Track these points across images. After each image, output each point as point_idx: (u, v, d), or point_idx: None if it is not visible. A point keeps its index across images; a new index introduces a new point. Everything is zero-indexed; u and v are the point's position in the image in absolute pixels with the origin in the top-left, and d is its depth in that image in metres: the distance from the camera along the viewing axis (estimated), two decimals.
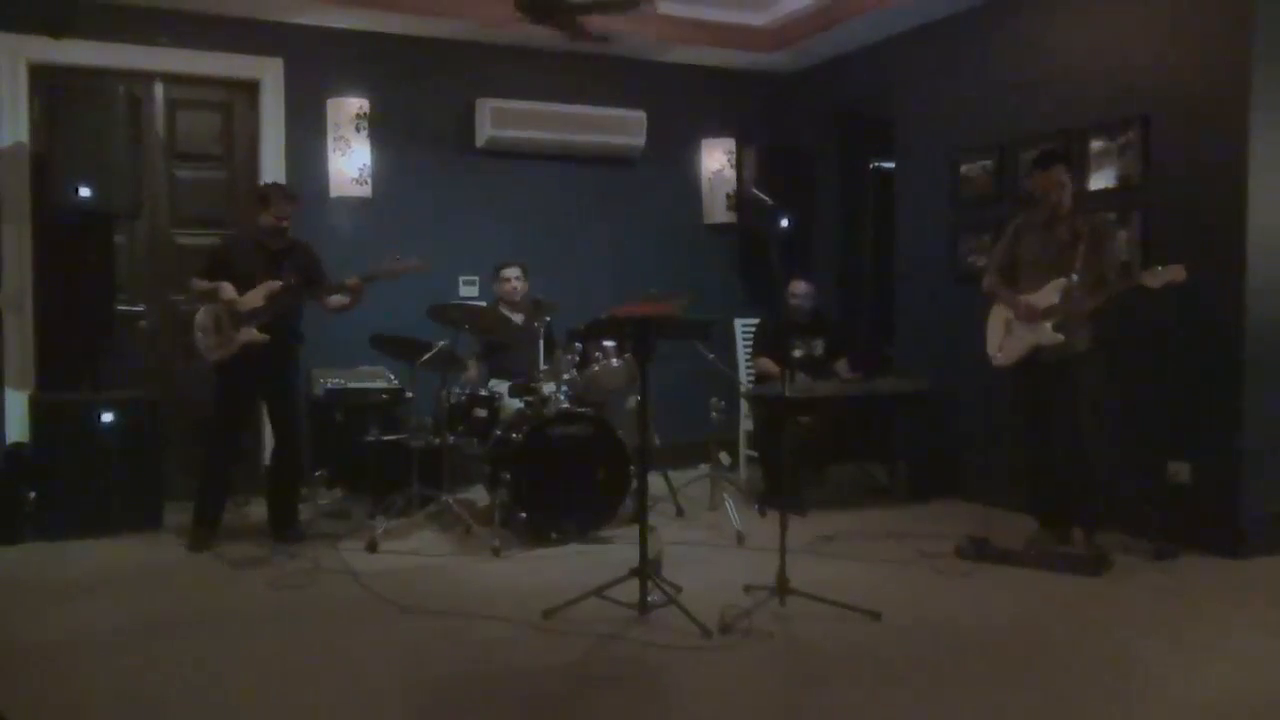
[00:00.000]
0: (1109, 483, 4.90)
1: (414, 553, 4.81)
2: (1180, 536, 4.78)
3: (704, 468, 5.83)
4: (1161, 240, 4.89)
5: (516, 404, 5.33)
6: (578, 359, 5.36)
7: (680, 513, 5.59)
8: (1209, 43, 4.75)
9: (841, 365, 6.16)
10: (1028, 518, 4.97)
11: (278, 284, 4.80)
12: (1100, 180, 5.17)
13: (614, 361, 5.37)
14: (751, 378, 6.42)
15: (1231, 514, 4.69)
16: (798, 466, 5.64)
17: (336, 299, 4.93)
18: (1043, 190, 4.62)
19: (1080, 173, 5.19)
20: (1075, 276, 4.52)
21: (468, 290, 6.47)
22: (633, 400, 5.46)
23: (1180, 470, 4.86)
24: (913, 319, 6.41)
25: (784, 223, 6.88)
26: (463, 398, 5.26)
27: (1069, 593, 4.25)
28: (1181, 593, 4.23)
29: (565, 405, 5.15)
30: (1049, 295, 4.62)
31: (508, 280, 5.80)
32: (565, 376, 5.27)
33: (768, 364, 6.04)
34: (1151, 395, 4.98)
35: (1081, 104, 5.28)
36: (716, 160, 7.13)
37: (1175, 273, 4.29)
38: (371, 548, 4.80)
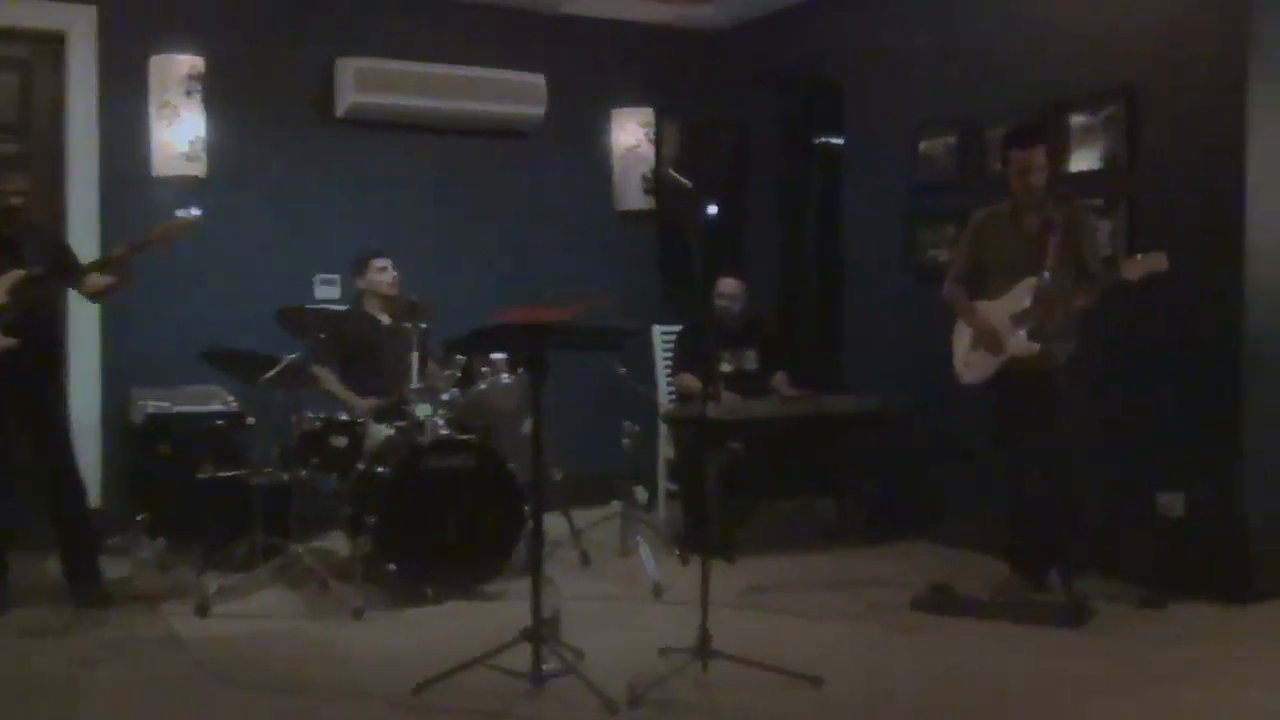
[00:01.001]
0: (1092, 518, 5.03)
1: (256, 616, 4.75)
2: (1174, 579, 4.92)
3: (614, 506, 5.84)
4: (1150, 232, 5.04)
5: (384, 430, 5.29)
6: (459, 375, 5.34)
7: (585, 561, 5.59)
8: (1202, 2, 4.92)
9: (780, 380, 6.22)
10: (1000, 561, 5.07)
11: (20, 273, 4.61)
12: (1083, 161, 5.32)
13: (504, 378, 5.35)
14: (672, 396, 6.46)
15: (1232, 552, 4.84)
16: (727, 503, 5.67)
17: (95, 280, 4.78)
18: (1020, 172, 4.74)
19: (1059, 153, 5.30)
20: (1047, 274, 4.63)
21: (327, 291, 6.41)
22: (527, 425, 5.44)
23: (1173, 502, 5.00)
24: (865, 325, 6.51)
25: (711, 210, 6.98)
26: (316, 423, 5.21)
27: (1043, 649, 4.33)
28: (1175, 646, 4.34)
29: (444, 432, 5.13)
30: (1019, 299, 4.73)
31: (381, 270, 5.75)
32: (444, 396, 5.25)
33: (691, 380, 6.07)
34: (1139, 415, 5.12)
35: (1060, 72, 5.43)
36: (631, 134, 7.17)
37: (1156, 261, 4.43)
38: (202, 610, 4.71)
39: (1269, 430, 4.86)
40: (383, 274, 5.74)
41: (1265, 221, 4.82)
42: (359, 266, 5.83)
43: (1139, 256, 4.48)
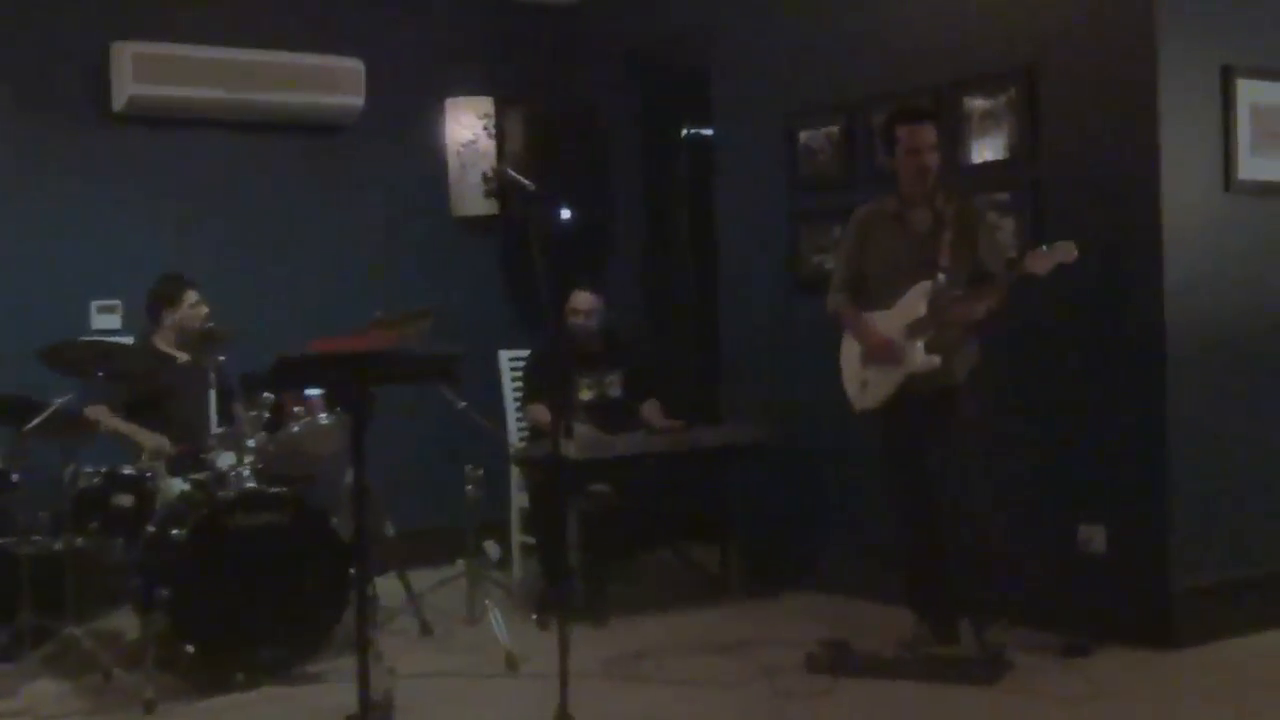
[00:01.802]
0: (1005, 556, 5.13)
1: (20, 716, 4.59)
2: (1097, 621, 5.05)
3: (459, 565, 5.79)
4: (1058, 231, 5.13)
5: (179, 485, 5.20)
6: (268, 416, 5.26)
7: (426, 630, 5.54)
8: None
9: (650, 409, 6.25)
10: (903, 611, 5.14)
11: None
12: (985, 150, 5.46)
13: (321, 418, 5.30)
14: (524, 433, 6.45)
15: (1158, 592, 4.99)
16: (591, 556, 5.67)
17: None
18: (909, 151, 4.83)
19: (955, 143, 5.47)
20: (943, 275, 4.74)
21: (105, 321, 6.27)
22: (350, 473, 5.38)
23: (1093, 535, 5.15)
24: (745, 343, 6.58)
25: (564, 213, 7.02)
26: (96, 479, 5.08)
27: (954, 709, 4.40)
28: (1098, 699, 4.45)
29: (251, 484, 5.05)
30: (913, 306, 4.82)
31: (195, 305, 5.65)
32: (251, 442, 5.16)
33: (544, 413, 6.06)
34: (1054, 438, 5.25)
35: (953, 51, 5.57)
36: (468, 127, 7.15)
37: (1064, 252, 4.56)
38: None
39: (1196, 452, 5.03)
40: (196, 309, 5.64)
41: (1183, 218, 5.00)
42: (167, 301, 5.69)
43: (1044, 247, 4.61)
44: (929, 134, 4.83)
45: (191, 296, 5.70)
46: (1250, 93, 5.12)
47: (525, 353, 6.49)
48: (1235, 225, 5.14)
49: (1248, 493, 5.16)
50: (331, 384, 4.97)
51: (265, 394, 5.27)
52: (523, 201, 6.86)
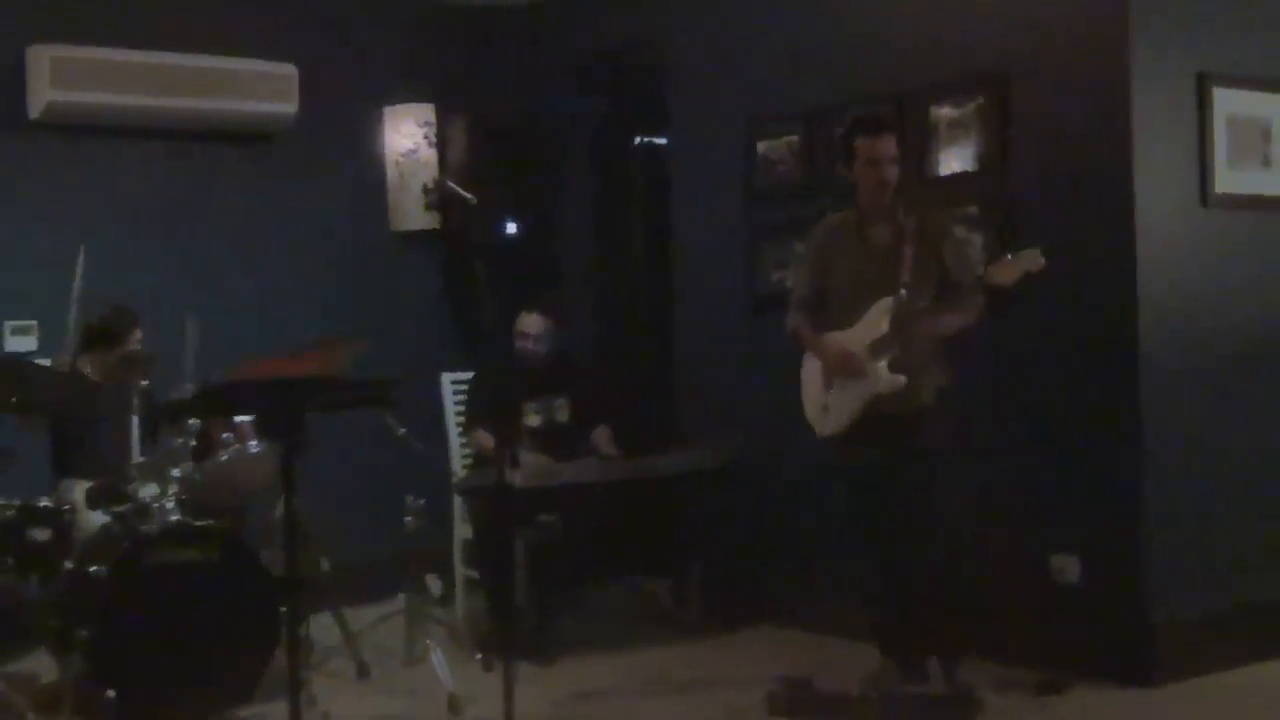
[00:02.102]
0: (976, 588, 5.16)
1: None
2: (1071, 655, 5.07)
3: (399, 601, 5.76)
4: (1031, 244, 5.21)
5: (99, 518, 5.15)
6: (194, 445, 5.22)
7: (363, 671, 5.51)
8: None
9: (601, 436, 6.25)
10: (868, 647, 5.12)
11: None
12: (953, 161, 5.51)
13: (251, 446, 5.28)
14: (467, 461, 6.43)
15: (1135, 625, 5.02)
16: (539, 591, 5.66)
17: None
18: (868, 163, 4.85)
19: (922, 154, 5.52)
20: (905, 291, 4.77)
21: (21, 343, 6.23)
22: (281, 506, 5.35)
23: (1067, 566, 5.18)
24: (701, 365, 6.59)
25: (509, 227, 7.00)
26: (9, 512, 5.03)
27: None
28: None
29: (176, 517, 5.02)
30: (875, 324, 4.83)
31: (138, 345, 5.61)
32: (176, 472, 5.13)
33: (489, 439, 6.05)
34: (1025, 462, 5.29)
35: (920, 58, 5.61)
36: (408, 136, 7.14)
37: (1030, 260, 4.57)
38: None
39: (1174, 477, 5.07)
40: (138, 348, 5.60)
41: (1158, 233, 5.06)
42: (113, 337, 5.62)
43: (1009, 256, 4.62)
44: (889, 145, 4.86)
45: (137, 335, 5.64)
46: (1227, 102, 5.18)
47: (469, 376, 6.47)
48: (1212, 241, 5.20)
49: (1229, 519, 5.20)
50: (261, 410, 4.93)
51: (192, 421, 5.23)
52: (466, 215, 6.88)
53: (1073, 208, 5.16)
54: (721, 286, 6.43)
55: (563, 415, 6.27)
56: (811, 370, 5.05)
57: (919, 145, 5.51)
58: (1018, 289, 4.62)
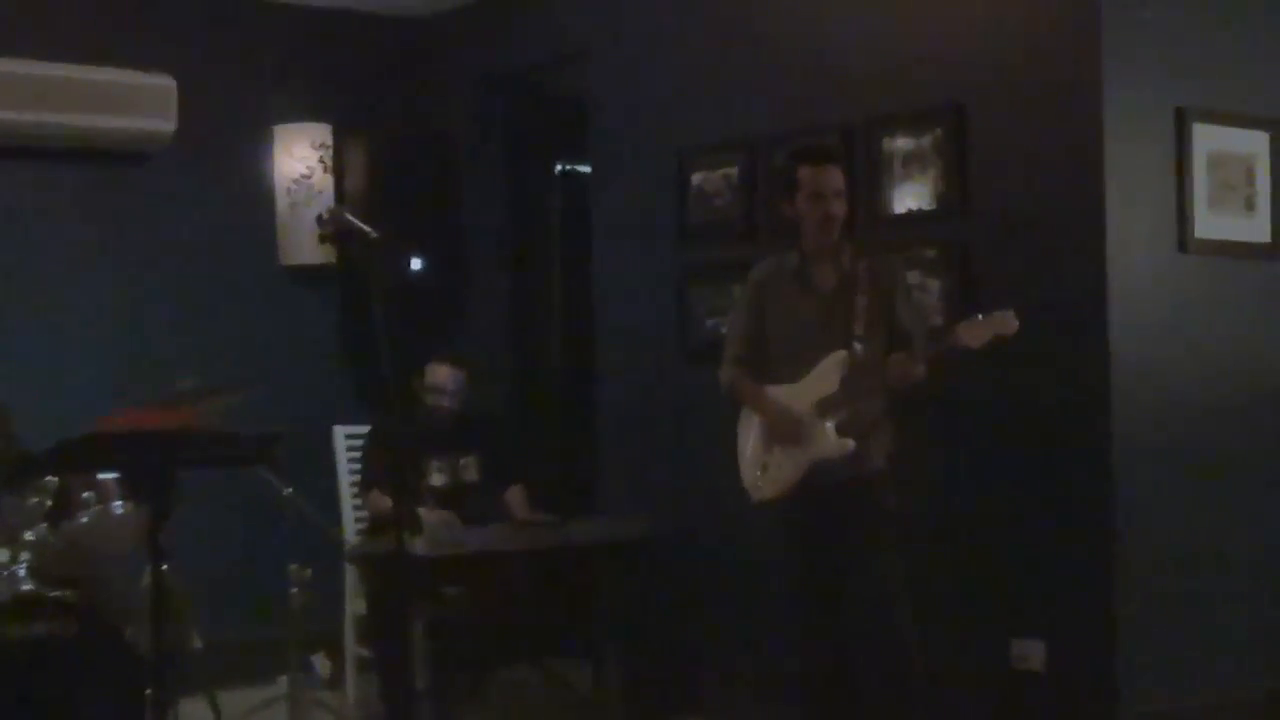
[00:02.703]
0: (928, 676, 5.16)
1: None
2: None
3: (281, 684, 5.69)
4: (991, 292, 5.23)
5: None
6: (49, 505, 5.13)
7: None
8: (1044, 5, 5.21)
9: (515, 498, 6.24)
10: None
11: None
12: (908, 199, 5.55)
13: (115, 507, 5.19)
14: (362, 525, 6.38)
15: (1103, 716, 5.02)
16: (441, 674, 5.61)
17: None
18: (811, 196, 4.85)
19: (874, 189, 5.56)
20: (858, 345, 4.78)
21: None
22: (147, 574, 5.28)
23: (1030, 651, 5.18)
24: (626, 421, 6.60)
25: (414, 264, 6.99)
26: None
27: None
28: None
29: (28, 586, 4.91)
30: (823, 379, 4.84)
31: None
32: (28, 535, 5.03)
33: (386, 501, 6.00)
34: (985, 536, 5.30)
35: (872, 85, 5.65)
36: (300, 159, 7.13)
37: (1003, 323, 4.59)
38: None
39: (1147, 556, 5.09)
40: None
41: (1132, 281, 5.10)
42: None
43: (979, 316, 4.62)
44: (834, 177, 4.87)
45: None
46: (1208, 139, 5.23)
47: (365, 429, 6.44)
48: (1191, 291, 5.24)
49: (1204, 603, 5.21)
50: (126, 467, 4.87)
51: (49, 479, 5.16)
52: (364, 249, 6.78)
53: (1038, 253, 5.20)
54: (649, 333, 6.45)
55: (471, 474, 6.26)
56: (748, 427, 5.05)
57: (871, 180, 5.55)
58: (968, 355, 4.63)
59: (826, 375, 4.83)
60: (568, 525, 6.04)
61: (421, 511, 5.87)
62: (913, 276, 5.32)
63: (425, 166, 7.28)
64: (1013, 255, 5.26)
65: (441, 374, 6.22)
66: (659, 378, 6.40)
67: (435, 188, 7.29)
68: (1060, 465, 5.15)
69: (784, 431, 4.88)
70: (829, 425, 4.81)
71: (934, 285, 5.41)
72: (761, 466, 5.00)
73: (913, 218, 5.53)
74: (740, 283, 5.54)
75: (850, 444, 4.80)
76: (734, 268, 5.89)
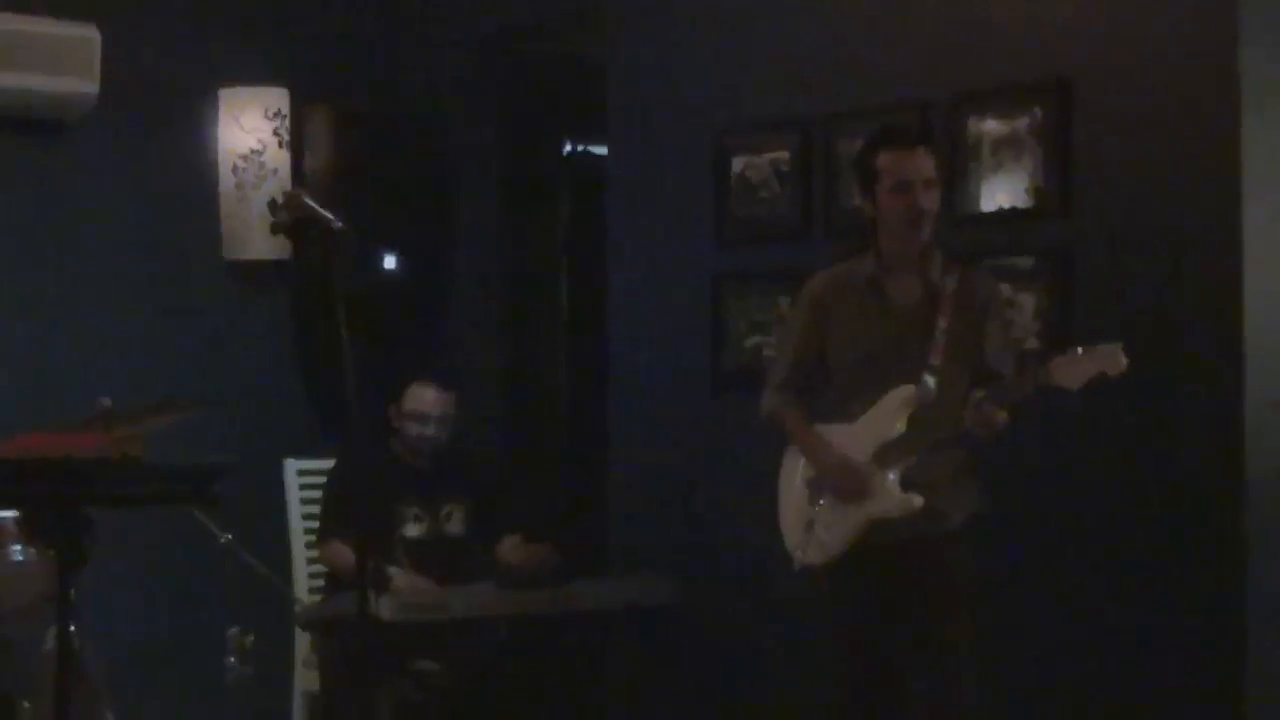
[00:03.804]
0: None
1: None
2: None
3: None
4: (1096, 312, 5.23)
5: None
6: None
7: None
8: None
9: (510, 549, 6.22)
10: None
11: None
12: (998, 194, 5.53)
13: (14, 552, 5.24)
14: (318, 582, 6.39)
15: None
16: None
17: None
18: (895, 189, 4.80)
19: (955, 182, 5.52)
20: (931, 380, 4.76)
21: None
22: (52, 636, 5.28)
23: None
24: (646, 462, 6.56)
25: (388, 262, 6.97)
26: None
27: None
28: None
29: None
30: (887, 420, 4.81)
31: None
32: None
33: (349, 554, 5.99)
34: (1084, 619, 5.24)
35: (955, 56, 5.63)
36: (252, 131, 7.10)
37: (1108, 359, 4.52)
38: None
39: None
40: None
41: (1276, 299, 5.05)
42: None
43: (1079, 350, 4.57)
44: (924, 163, 4.81)
45: None
46: None
47: (324, 465, 6.44)
48: None
49: None
50: (28, 503, 4.86)
51: None
52: (327, 243, 6.80)
53: (1159, 264, 5.16)
54: (676, 355, 6.43)
55: (454, 525, 6.27)
56: (792, 472, 5.03)
57: (953, 171, 5.51)
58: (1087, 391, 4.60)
59: (889, 415, 4.80)
60: (571, 586, 6.01)
61: (391, 570, 5.89)
62: (1002, 291, 5.24)
63: (403, 144, 7.28)
64: (1126, 266, 5.22)
65: (426, 399, 6.22)
66: (687, 409, 6.38)
67: (415, 170, 7.29)
68: (1177, 534, 5.10)
69: (837, 482, 4.86)
70: (891, 477, 4.77)
71: (1026, 302, 5.38)
72: (806, 524, 4.96)
73: (1003, 218, 5.51)
74: (790, 294, 5.55)
75: (917, 501, 4.74)
76: (782, 275, 5.91)
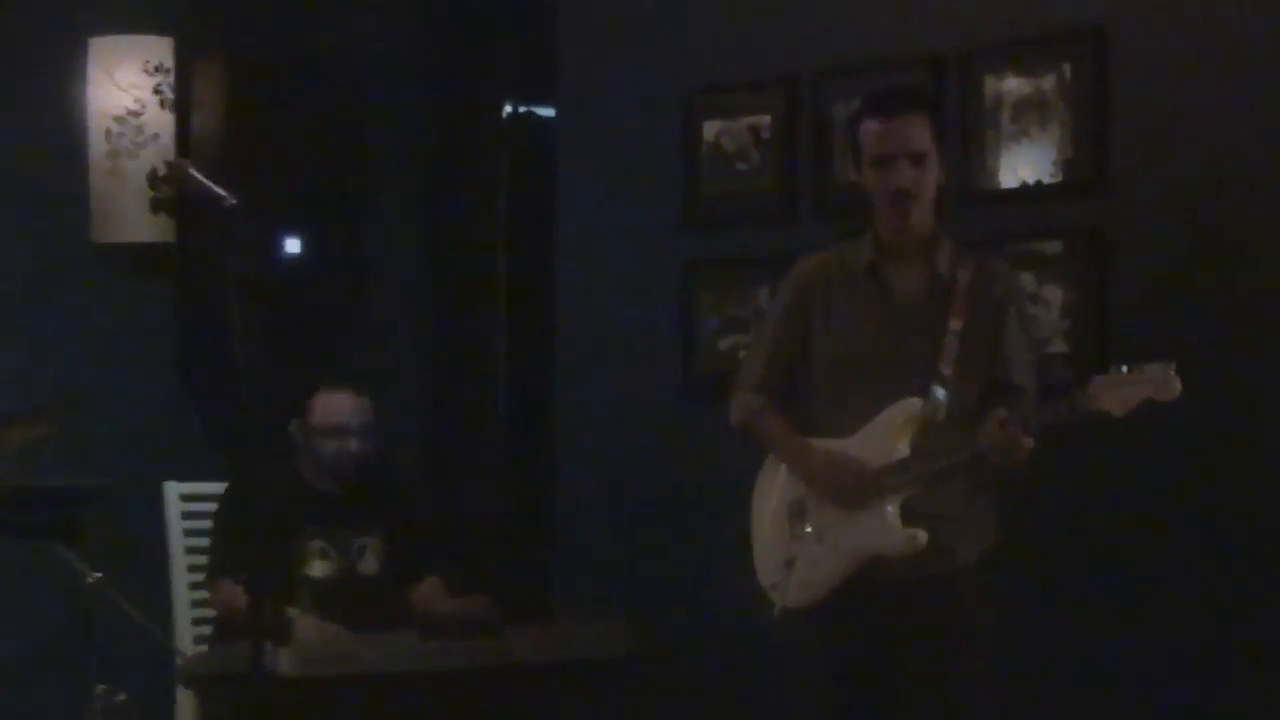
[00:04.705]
0: None
1: None
2: None
3: None
4: (1144, 312, 5.24)
5: None
6: None
7: None
8: None
9: (430, 592, 6.21)
10: None
11: None
12: (1020, 167, 5.56)
13: None
14: (205, 630, 6.36)
15: None
16: None
17: None
18: (878, 162, 4.78)
19: (972, 152, 5.56)
20: (941, 390, 4.75)
21: None
22: None
23: None
24: (596, 488, 6.58)
25: (291, 247, 6.95)
26: None
27: None
28: None
29: None
30: (887, 437, 4.79)
31: None
32: None
33: (243, 596, 5.97)
34: (1119, 669, 5.26)
35: (971, 4, 5.66)
36: (128, 88, 7.06)
37: (1158, 382, 4.48)
38: None
39: None
40: None
41: None
42: None
43: (1124, 370, 4.50)
44: (912, 135, 4.77)
45: None
46: None
47: (215, 489, 6.40)
48: None
49: None
50: None
51: None
52: (217, 223, 6.80)
53: (1213, 246, 5.18)
54: (635, 359, 6.46)
55: (369, 562, 6.21)
56: (767, 494, 5.01)
57: (966, 138, 5.57)
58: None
59: (890, 433, 4.76)
60: (509, 635, 5.99)
61: (292, 614, 5.86)
62: (1026, 281, 5.29)
63: (311, 105, 7.27)
64: (1173, 252, 5.24)
65: (341, 406, 6.14)
66: (649, 422, 6.40)
67: (326, 136, 7.28)
68: (1239, 579, 5.12)
69: (835, 487, 4.82)
70: (890, 509, 4.76)
71: (1053, 296, 5.41)
72: (786, 560, 4.94)
73: (1026, 195, 5.54)
74: (772, 285, 5.52)
75: (920, 537, 4.68)
76: (762, 262, 5.93)
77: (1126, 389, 4.45)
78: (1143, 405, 4.45)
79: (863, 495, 4.74)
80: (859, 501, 4.75)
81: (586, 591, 6.50)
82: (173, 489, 6.49)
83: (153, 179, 7.04)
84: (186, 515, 6.46)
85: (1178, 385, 4.41)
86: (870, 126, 4.81)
